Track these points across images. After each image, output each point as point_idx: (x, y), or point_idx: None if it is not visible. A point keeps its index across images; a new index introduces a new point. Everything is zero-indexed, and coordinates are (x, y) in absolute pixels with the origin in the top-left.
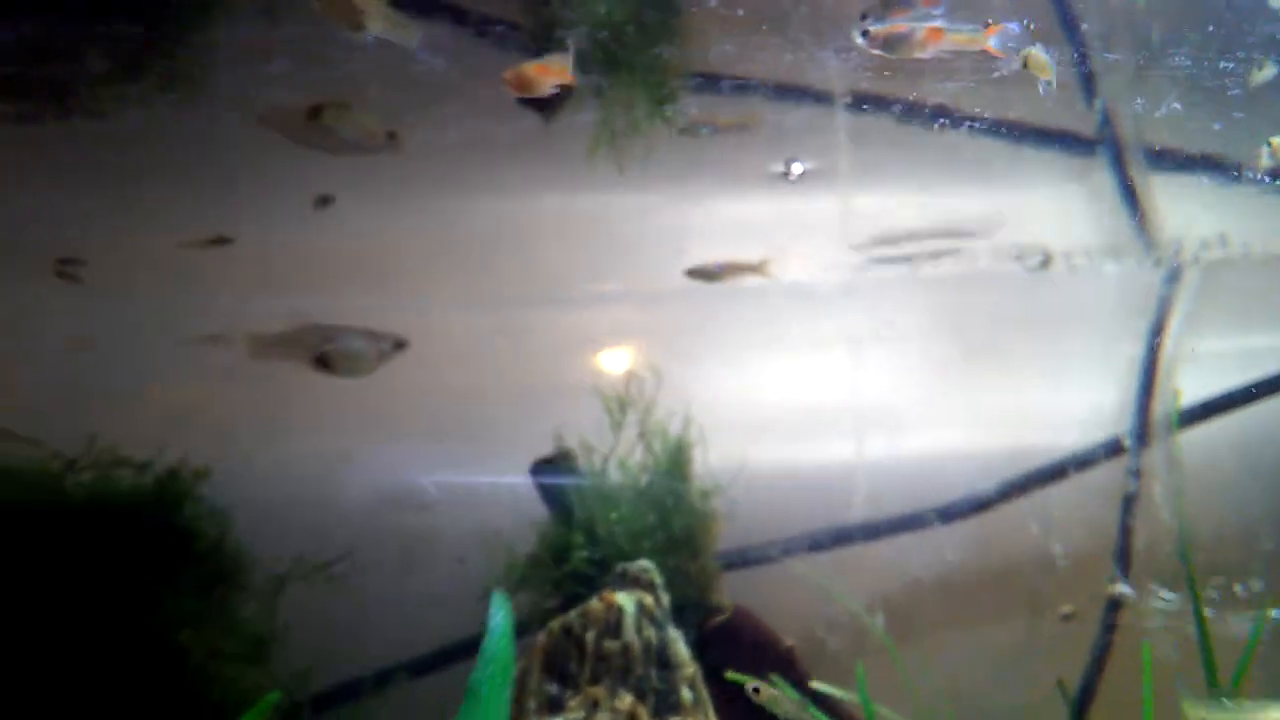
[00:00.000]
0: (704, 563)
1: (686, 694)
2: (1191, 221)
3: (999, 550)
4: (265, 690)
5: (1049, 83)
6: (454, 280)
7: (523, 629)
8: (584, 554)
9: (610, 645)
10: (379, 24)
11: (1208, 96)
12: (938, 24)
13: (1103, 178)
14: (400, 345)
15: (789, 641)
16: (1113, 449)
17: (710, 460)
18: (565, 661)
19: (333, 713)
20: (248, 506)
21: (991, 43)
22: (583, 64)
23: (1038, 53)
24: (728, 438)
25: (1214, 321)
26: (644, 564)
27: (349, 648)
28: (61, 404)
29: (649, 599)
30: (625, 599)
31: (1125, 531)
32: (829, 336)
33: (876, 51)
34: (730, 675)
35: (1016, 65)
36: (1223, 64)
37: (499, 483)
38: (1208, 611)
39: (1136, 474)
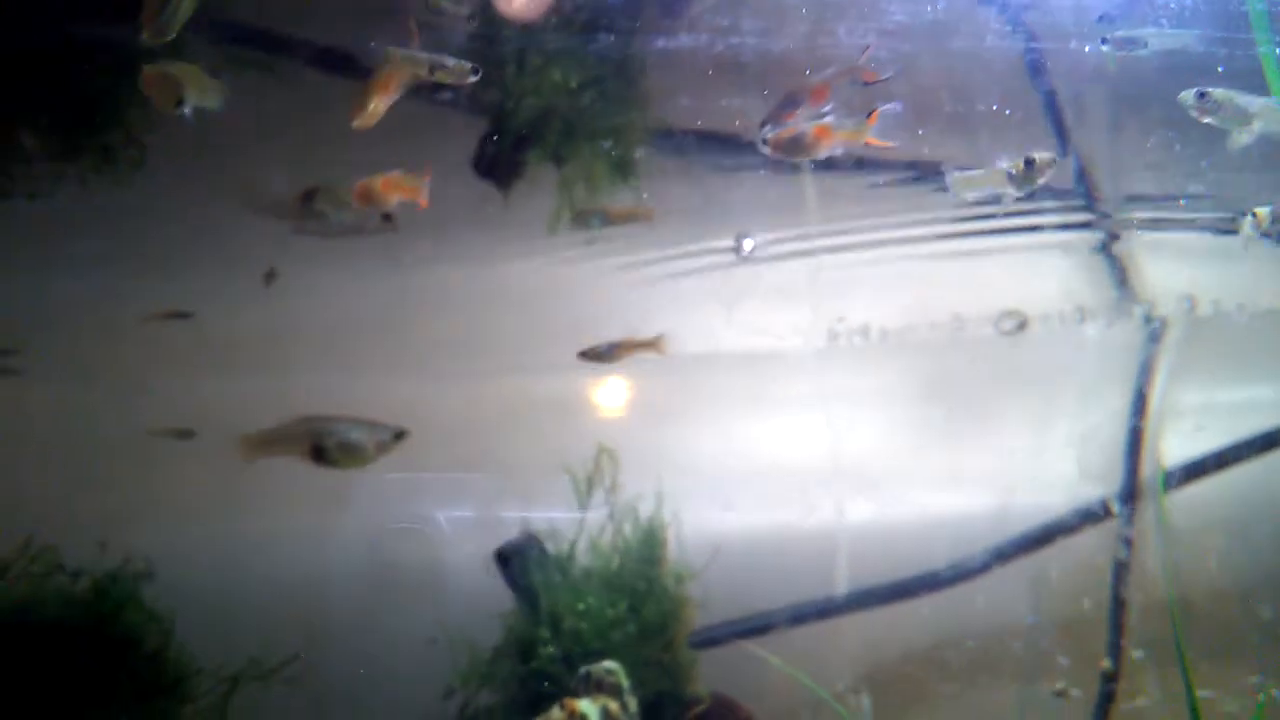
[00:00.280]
0: (678, 651)
1: None
2: (1174, 275)
3: (987, 620)
4: None
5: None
6: (407, 352)
7: None
8: (550, 650)
9: None
10: (196, 94)
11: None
12: (826, 122)
13: (1080, 233)
14: (400, 436)
15: None
16: (1099, 514)
17: (685, 533)
18: None
19: None
20: (197, 601)
21: (872, 133)
22: (540, 133)
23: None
24: (703, 507)
25: (1200, 377)
26: (609, 665)
27: None
28: None
29: (614, 705)
30: (589, 707)
31: (1118, 603)
32: (804, 401)
33: (779, 157)
34: None
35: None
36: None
37: (461, 568)
38: (1205, 694)
39: (1128, 541)
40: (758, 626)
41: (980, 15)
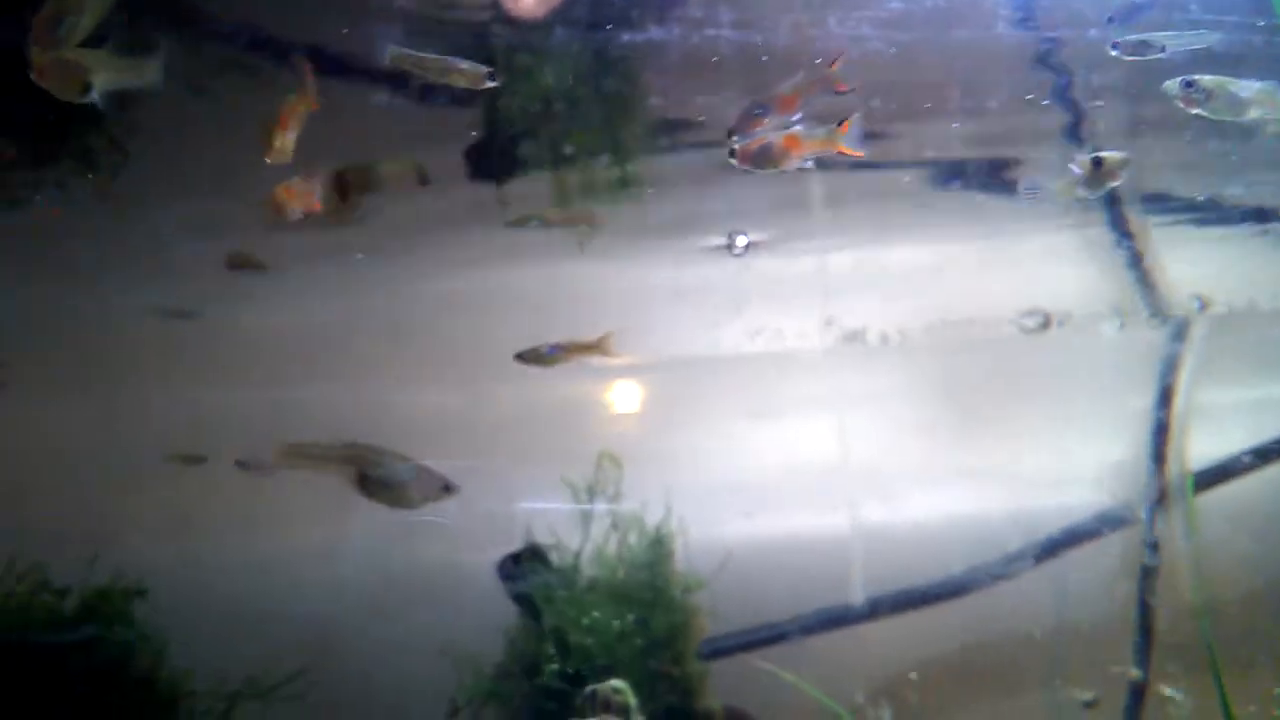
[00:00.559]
0: (688, 664)
1: None
2: (1197, 272)
3: (1009, 627)
4: None
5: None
6: (406, 356)
7: None
8: (555, 666)
9: None
10: (109, 76)
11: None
12: (794, 131)
13: (1100, 230)
14: (449, 489)
15: None
16: (1124, 518)
17: (692, 541)
18: None
19: None
20: (194, 618)
21: (844, 142)
22: (534, 132)
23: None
24: (711, 514)
25: (1227, 375)
26: (616, 684)
27: None
28: None
29: None
30: None
31: (1145, 610)
32: (818, 403)
33: (747, 169)
34: None
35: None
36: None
37: (464, 581)
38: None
39: (1154, 545)
40: (770, 636)
41: (989, 3)
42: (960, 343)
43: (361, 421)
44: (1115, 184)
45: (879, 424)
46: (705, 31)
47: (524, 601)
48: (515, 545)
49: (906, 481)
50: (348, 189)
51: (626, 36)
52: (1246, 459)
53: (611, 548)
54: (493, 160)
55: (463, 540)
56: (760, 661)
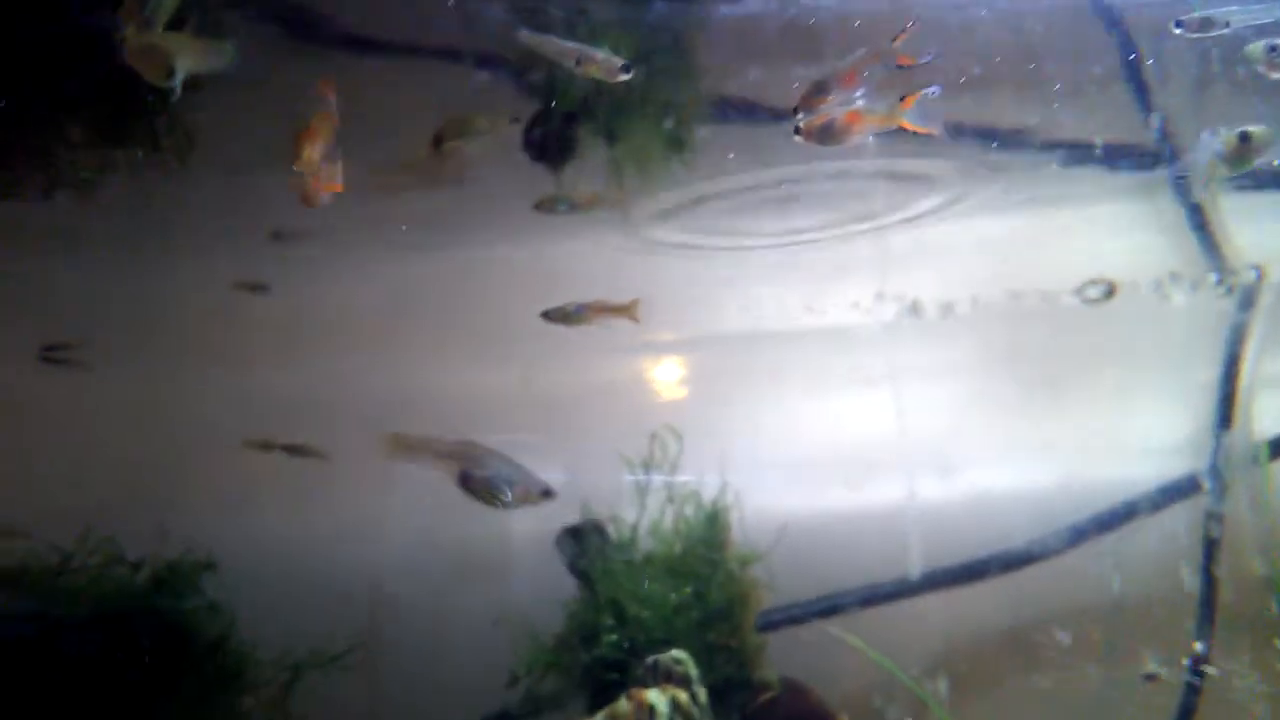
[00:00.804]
0: (745, 636)
1: None
2: (1266, 239)
3: (1069, 600)
4: None
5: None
6: (463, 334)
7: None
8: (613, 638)
9: None
10: (190, 60)
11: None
12: (856, 107)
13: (1166, 197)
14: (548, 494)
15: (843, 717)
16: (1188, 489)
17: (748, 515)
18: None
19: None
20: (259, 592)
21: (908, 118)
22: (590, 110)
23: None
24: (768, 488)
25: None
26: (677, 654)
27: None
28: (62, 495)
29: (683, 695)
30: (657, 697)
31: (1209, 582)
32: (874, 376)
33: (813, 144)
34: None
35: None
36: None
37: (524, 554)
38: None
39: (1219, 517)
40: (825, 609)
41: None
42: (1023, 314)
43: (414, 398)
44: (1261, 159)
45: (940, 397)
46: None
47: (582, 575)
48: (573, 520)
49: (967, 454)
50: (440, 138)
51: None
52: None
53: (668, 522)
54: (549, 141)
55: (522, 514)
56: (830, 629)
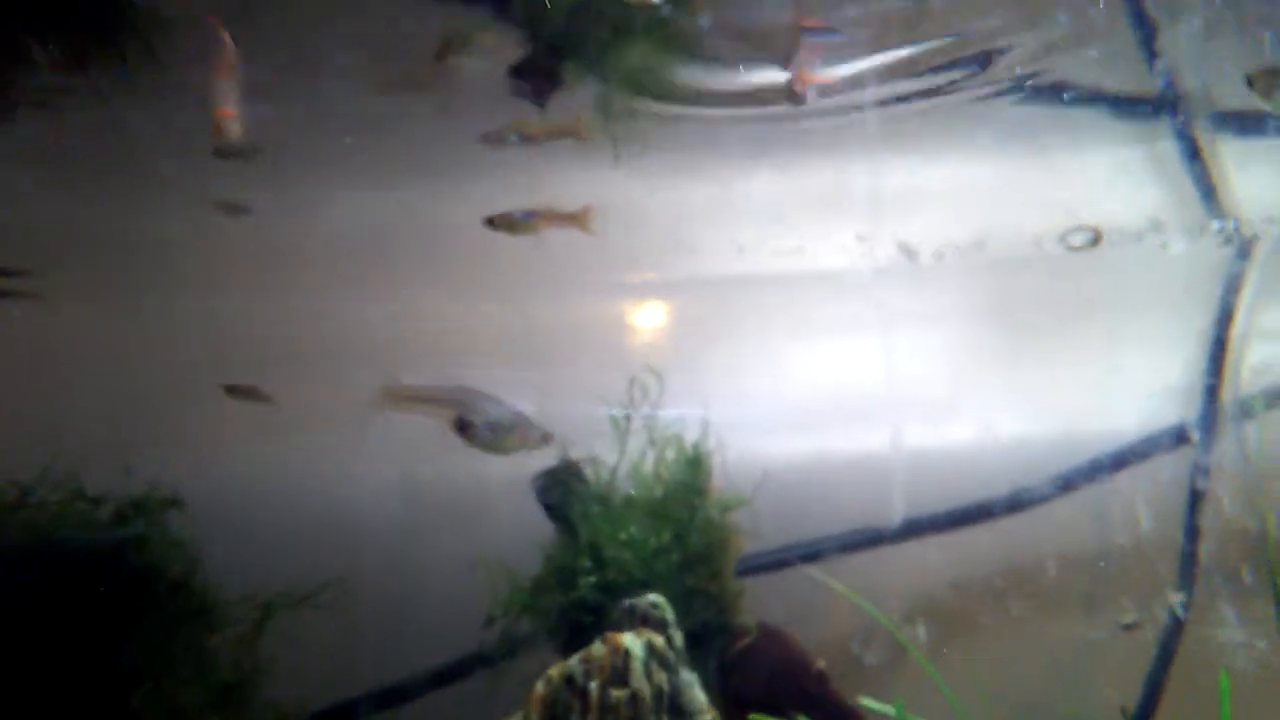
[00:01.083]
0: (724, 581)
1: None
2: (1266, 188)
3: (1053, 549)
4: None
5: None
6: (448, 274)
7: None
8: (591, 580)
9: (617, 694)
10: None
11: None
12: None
13: (1166, 145)
14: (546, 439)
15: (820, 663)
16: (1176, 440)
17: (730, 460)
18: (567, 714)
19: None
20: (228, 530)
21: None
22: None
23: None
24: (750, 433)
25: None
26: (653, 599)
27: (342, 672)
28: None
29: (659, 640)
30: (632, 641)
31: (1193, 533)
32: (861, 322)
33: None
34: (754, 718)
35: None
36: None
37: (500, 496)
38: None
39: (1205, 469)
40: (806, 554)
41: None
42: (1007, 262)
43: (393, 334)
44: None
45: (928, 342)
46: None
47: (559, 517)
48: (550, 460)
49: (952, 402)
50: (443, 51)
51: None
52: None
53: (649, 464)
54: (533, 71)
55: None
56: (813, 573)
